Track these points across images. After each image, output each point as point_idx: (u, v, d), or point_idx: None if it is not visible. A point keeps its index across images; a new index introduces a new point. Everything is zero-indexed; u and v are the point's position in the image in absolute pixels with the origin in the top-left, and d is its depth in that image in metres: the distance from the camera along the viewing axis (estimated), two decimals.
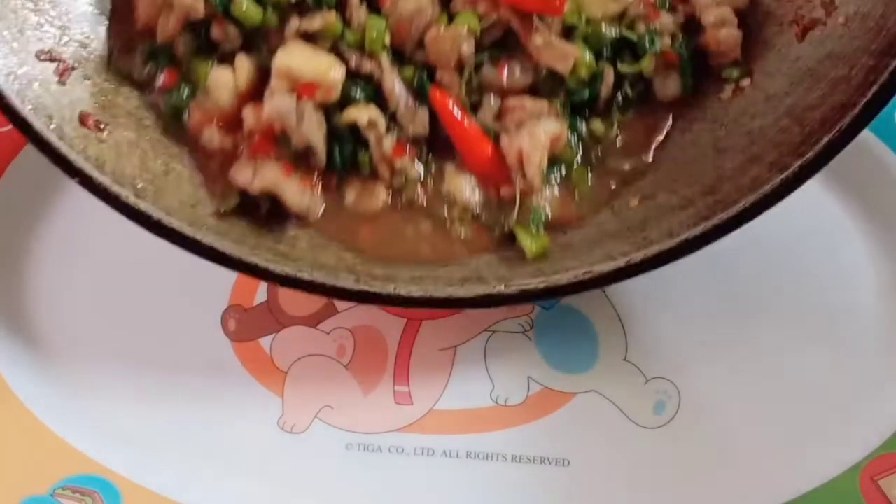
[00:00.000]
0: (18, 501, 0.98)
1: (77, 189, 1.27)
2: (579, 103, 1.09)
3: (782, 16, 1.09)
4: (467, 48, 1.03)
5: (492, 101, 1.08)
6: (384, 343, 1.17)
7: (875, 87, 0.93)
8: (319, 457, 1.09)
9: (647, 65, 1.09)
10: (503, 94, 1.08)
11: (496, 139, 1.07)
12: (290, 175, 1.04)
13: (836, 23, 1.01)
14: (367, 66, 1.04)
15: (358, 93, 1.05)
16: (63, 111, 1.06)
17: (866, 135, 1.28)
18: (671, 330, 1.18)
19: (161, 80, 1.11)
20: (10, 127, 1.25)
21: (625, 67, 1.09)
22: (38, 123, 1.03)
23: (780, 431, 1.09)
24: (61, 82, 1.08)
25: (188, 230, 1.02)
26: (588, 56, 1.06)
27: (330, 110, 1.04)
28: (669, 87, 1.12)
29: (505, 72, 1.06)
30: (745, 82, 1.08)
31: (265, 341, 1.16)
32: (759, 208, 1.00)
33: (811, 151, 0.97)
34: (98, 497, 1.00)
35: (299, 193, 1.05)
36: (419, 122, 1.06)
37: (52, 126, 1.04)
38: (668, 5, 1.11)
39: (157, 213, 1.02)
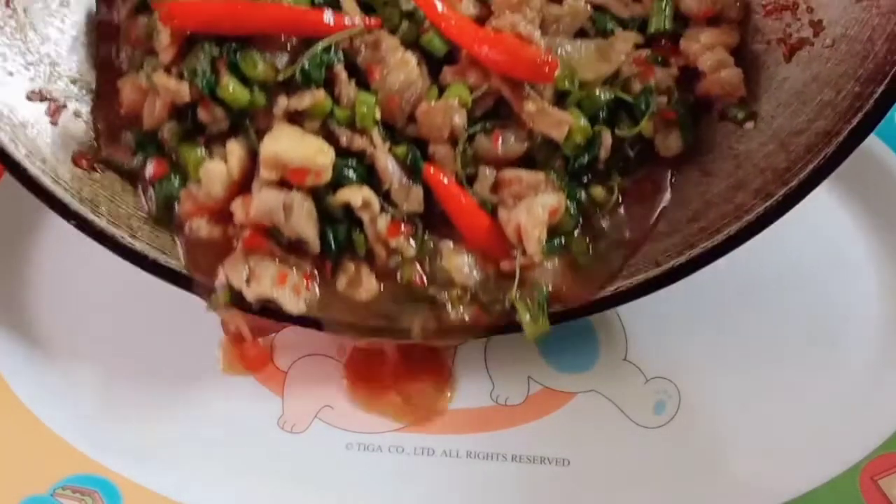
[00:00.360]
0: (18, 501, 0.98)
1: None
2: (578, 169, 1.06)
3: (770, 33, 1.07)
4: (459, 120, 1.00)
5: (487, 173, 1.04)
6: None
7: (860, 116, 0.93)
8: (319, 456, 1.09)
9: (646, 127, 1.06)
10: (498, 165, 1.04)
11: (493, 212, 1.04)
12: (284, 283, 1.01)
13: (823, 44, 1.00)
14: (359, 142, 1.01)
15: (350, 172, 1.01)
16: (57, 153, 1.06)
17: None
18: (671, 330, 1.18)
19: (150, 170, 1.06)
20: None
21: (623, 132, 1.06)
22: (33, 168, 1.03)
23: (780, 431, 1.09)
24: (53, 122, 1.08)
25: (186, 271, 1.03)
26: (583, 121, 1.02)
27: (322, 191, 1.01)
28: (671, 144, 1.08)
29: (499, 141, 1.03)
30: (749, 125, 1.05)
31: (265, 341, 1.17)
32: (743, 237, 1.01)
33: (795, 180, 0.97)
34: (98, 497, 1.00)
35: (294, 301, 1.02)
36: (414, 200, 1.03)
37: (46, 169, 1.04)
38: (660, 60, 1.07)
39: (152, 253, 1.03)
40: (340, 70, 1.00)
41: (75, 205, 1.04)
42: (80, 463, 1.03)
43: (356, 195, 1.00)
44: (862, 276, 1.22)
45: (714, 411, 1.11)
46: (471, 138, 1.02)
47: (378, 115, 1.00)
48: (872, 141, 1.27)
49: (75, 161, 1.08)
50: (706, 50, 1.06)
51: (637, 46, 1.07)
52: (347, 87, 1.00)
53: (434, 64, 1.03)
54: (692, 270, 1.03)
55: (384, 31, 1.02)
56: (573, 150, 1.03)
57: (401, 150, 1.02)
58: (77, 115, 1.10)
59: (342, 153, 1.01)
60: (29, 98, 1.06)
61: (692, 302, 1.19)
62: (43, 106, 1.07)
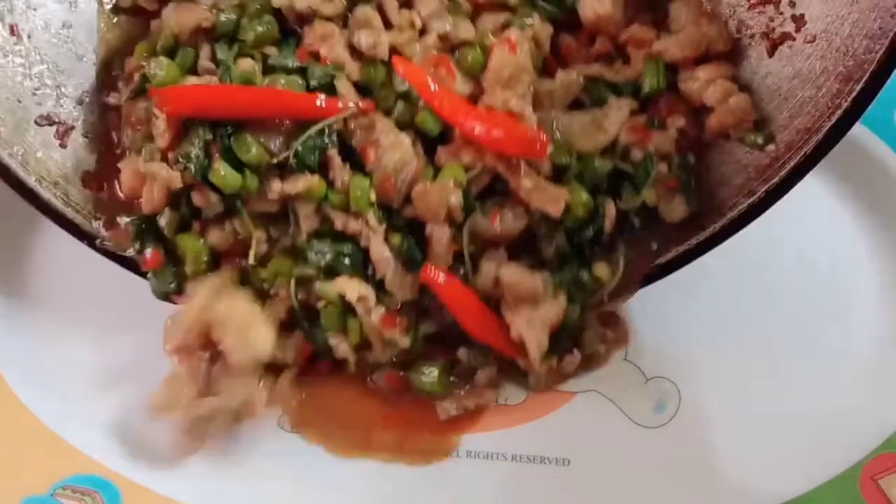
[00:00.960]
0: (19, 501, 0.98)
1: None
2: (581, 245, 1.05)
3: (755, 27, 1.06)
4: (455, 201, 0.99)
5: (487, 270, 1.03)
6: None
7: (839, 113, 0.93)
8: (318, 456, 1.09)
9: (648, 196, 1.05)
10: (498, 243, 1.03)
11: (497, 305, 1.04)
12: None
13: (804, 39, 1.00)
14: (354, 226, 1.01)
15: (346, 260, 1.02)
16: (67, 175, 1.09)
17: (867, 135, 1.29)
18: (671, 330, 1.18)
19: (148, 255, 1.07)
20: None
21: (626, 203, 1.05)
22: (45, 193, 1.06)
23: (780, 431, 1.09)
24: (62, 145, 1.09)
25: None
26: (584, 195, 1.01)
27: (310, 280, 1.03)
28: (677, 210, 1.06)
29: (498, 220, 1.01)
30: (770, 148, 1.02)
31: None
32: (727, 232, 1.02)
33: (777, 177, 0.98)
34: (98, 497, 1.00)
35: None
36: (408, 288, 1.03)
37: (57, 193, 1.07)
38: (656, 123, 1.06)
39: None
40: (334, 154, 1.01)
41: (87, 226, 1.08)
42: (80, 463, 1.03)
43: (352, 289, 1.01)
44: (862, 276, 1.22)
45: (714, 411, 1.11)
46: (468, 216, 1.01)
47: (373, 198, 1.00)
48: (871, 140, 1.27)
49: (85, 182, 1.10)
50: (708, 84, 1.04)
51: (633, 112, 1.06)
52: (342, 171, 1.00)
53: (429, 143, 1.03)
54: (678, 267, 1.06)
55: (378, 113, 1.02)
56: (575, 223, 1.03)
57: (396, 239, 1.02)
58: (85, 136, 1.12)
59: (338, 238, 1.02)
60: (38, 123, 1.08)
61: (692, 302, 1.19)
62: (52, 130, 1.09)
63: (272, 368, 1.07)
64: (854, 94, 0.92)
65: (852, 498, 1.01)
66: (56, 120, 1.09)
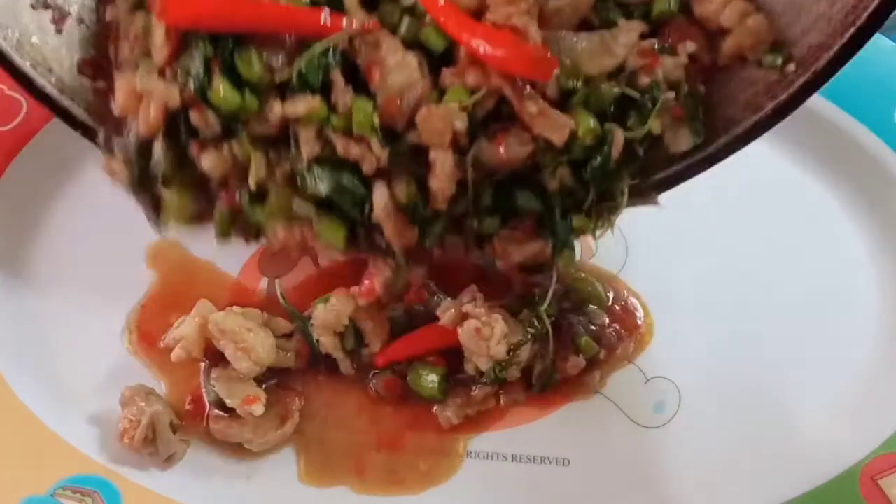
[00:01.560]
0: (18, 502, 0.98)
1: (77, 190, 1.28)
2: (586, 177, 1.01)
3: None
4: (460, 125, 0.96)
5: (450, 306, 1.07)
6: None
7: (852, 30, 0.90)
8: None
9: (655, 126, 1.01)
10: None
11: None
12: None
13: None
14: (355, 150, 0.97)
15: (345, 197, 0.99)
16: (62, 61, 1.06)
17: (867, 135, 1.29)
18: (672, 329, 1.18)
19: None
20: (10, 126, 1.27)
21: (631, 132, 1.01)
22: (40, 79, 1.03)
23: (779, 431, 1.09)
24: (58, 30, 1.06)
25: None
26: (592, 122, 0.98)
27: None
28: (682, 140, 1.03)
29: (502, 146, 0.98)
30: (790, 67, 0.98)
31: None
32: (728, 150, 1.01)
33: (784, 93, 0.96)
34: (98, 497, 1.00)
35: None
36: (406, 238, 1.00)
37: (52, 79, 1.04)
38: (667, 48, 1.01)
39: None
40: (337, 76, 0.97)
41: (83, 116, 1.06)
42: (80, 463, 1.03)
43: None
44: (862, 276, 1.22)
45: (714, 411, 1.11)
46: (472, 142, 0.98)
47: (376, 122, 0.96)
48: (871, 139, 1.28)
49: (81, 69, 1.07)
50: (724, 6, 1.00)
51: (643, 36, 1.02)
52: (344, 93, 0.97)
53: (435, 66, 1.00)
54: (673, 185, 1.05)
55: (384, 31, 0.98)
56: (581, 151, 0.99)
57: (401, 189, 0.99)
58: (80, 21, 1.08)
59: (339, 166, 0.98)
60: (33, 6, 1.05)
61: (693, 302, 1.19)
62: (47, 14, 1.06)
63: (274, 371, 1.08)
64: (870, 9, 0.89)
65: (852, 498, 1.00)
66: (52, 4, 1.06)
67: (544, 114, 0.96)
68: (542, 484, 1.07)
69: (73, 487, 1.00)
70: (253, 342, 1.06)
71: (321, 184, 0.97)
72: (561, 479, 1.07)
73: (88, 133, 1.07)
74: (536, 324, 1.10)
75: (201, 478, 1.06)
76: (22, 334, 1.14)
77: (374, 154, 0.96)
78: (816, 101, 1.29)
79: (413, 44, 0.99)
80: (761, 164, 1.29)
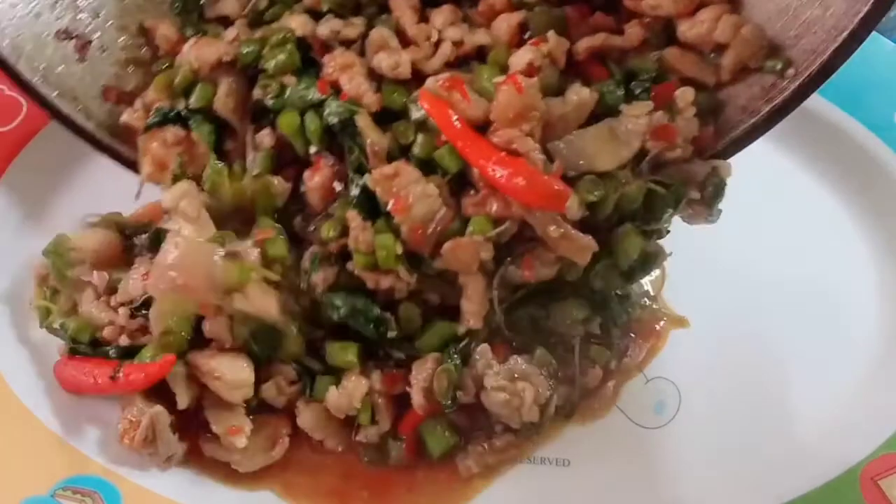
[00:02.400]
0: (19, 502, 0.98)
1: (75, 191, 1.28)
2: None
3: None
4: (486, 255, 0.97)
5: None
6: None
7: (844, 35, 0.91)
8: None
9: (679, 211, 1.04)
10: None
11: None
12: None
13: None
14: (386, 282, 0.99)
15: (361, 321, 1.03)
16: (87, 89, 1.11)
17: (867, 135, 1.29)
18: (672, 330, 1.18)
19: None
20: (10, 126, 1.27)
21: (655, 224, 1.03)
22: (67, 108, 1.08)
23: (780, 432, 1.09)
24: (81, 59, 1.10)
25: None
26: (639, 243, 1.00)
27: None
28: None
29: (530, 269, 0.99)
30: (790, 72, 0.98)
31: None
32: (726, 153, 1.02)
33: (780, 97, 0.97)
34: (98, 498, 1.00)
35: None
36: None
37: (79, 107, 1.09)
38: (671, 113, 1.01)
39: None
40: (353, 214, 0.99)
41: (107, 139, 1.12)
42: (80, 463, 1.03)
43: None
44: (862, 277, 1.22)
45: (714, 411, 1.11)
46: (498, 266, 1.00)
47: (400, 250, 0.98)
48: (871, 140, 1.28)
49: (105, 95, 1.12)
50: (715, 23, 1.00)
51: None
52: (364, 232, 0.99)
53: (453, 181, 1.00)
54: None
55: (402, 161, 0.99)
56: (627, 262, 1.02)
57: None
58: (103, 48, 1.12)
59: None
60: (58, 38, 1.08)
61: (692, 303, 1.19)
62: (70, 44, 1.09)
63: (265, 406, 1.06)
64: (861, 14, 0.90)
65: (852, 499, 1.00)
66: (74, 33, 1.10)
67: (567, 237, 0.96)
68: (542, 484, 1.07)
69: (73, 487, 1.00)
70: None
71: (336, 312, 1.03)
72: (561, 479, 1.07)
73: (116, 155, 1.13)
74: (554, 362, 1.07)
75: (201, 478, 1.06)
76: (22, 334, 1.14)
77: (403, 281, 0.99)
78: (817, 102, 1.30)
79: (427, 160, 0.99)
80: (762, 165, 1.29)
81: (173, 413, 1.02)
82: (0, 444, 1.03)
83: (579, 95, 0.99)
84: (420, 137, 1.00)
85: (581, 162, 0.97)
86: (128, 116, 1.11)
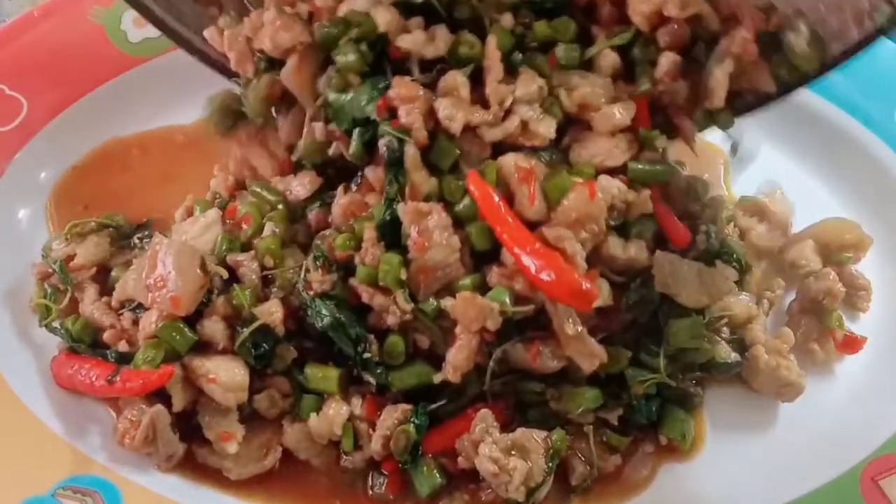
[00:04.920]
0: (19, 502, 0.98)
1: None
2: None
3: None
4: (492, 325, 0.95)
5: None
6: None
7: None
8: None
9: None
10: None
11: None
12: None
13: None
14: (380, 300, 0.98)
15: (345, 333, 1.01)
16: None
17: (867, 135, 1.29)
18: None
19: None
20: (10, 126, 1.27)
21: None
22: (158, 10, 1.09)
23: (780, 432, 1.09)
24: None
25: None
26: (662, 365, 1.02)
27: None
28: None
29: (536, 356, 0.98)
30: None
31: None
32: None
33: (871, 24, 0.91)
34: (99, 497, 1.00)
35: None
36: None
37: (171, 9, 1.10)
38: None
39: None
40: (370, 230, 0.99)
41: (197, 42, 1.12)
42: (81, 463, 1.03)
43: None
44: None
45: (714, 412, 1.11)
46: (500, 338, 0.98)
47: (404, 276, 0.97)
48: (873, 141, 1.28)
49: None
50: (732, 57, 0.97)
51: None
52: (374, 247, 0.98)
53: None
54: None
55: (440, 205, 0.97)
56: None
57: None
58: None
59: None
60: None
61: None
62: None
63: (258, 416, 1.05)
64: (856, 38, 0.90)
65: (853, 499, 1.00)
66: None
67: (580, 339, 0.96)
68: None
69: (73, 487, 1.00)
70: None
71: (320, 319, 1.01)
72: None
73: (206, 59, 1.13)
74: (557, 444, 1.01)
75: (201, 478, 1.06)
76: (22, 334, 1.14)
77: (399, 309, 0.98)
78: (817, 101, 1.30)
79: (465, 223, 0.98)
80: (761, 163, 1.30)
81: (172, 413, 1.01)
82: (0, 443, 1.03)
83: (638, 257, 1.00)
84: (466, 201, 0.97)
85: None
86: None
